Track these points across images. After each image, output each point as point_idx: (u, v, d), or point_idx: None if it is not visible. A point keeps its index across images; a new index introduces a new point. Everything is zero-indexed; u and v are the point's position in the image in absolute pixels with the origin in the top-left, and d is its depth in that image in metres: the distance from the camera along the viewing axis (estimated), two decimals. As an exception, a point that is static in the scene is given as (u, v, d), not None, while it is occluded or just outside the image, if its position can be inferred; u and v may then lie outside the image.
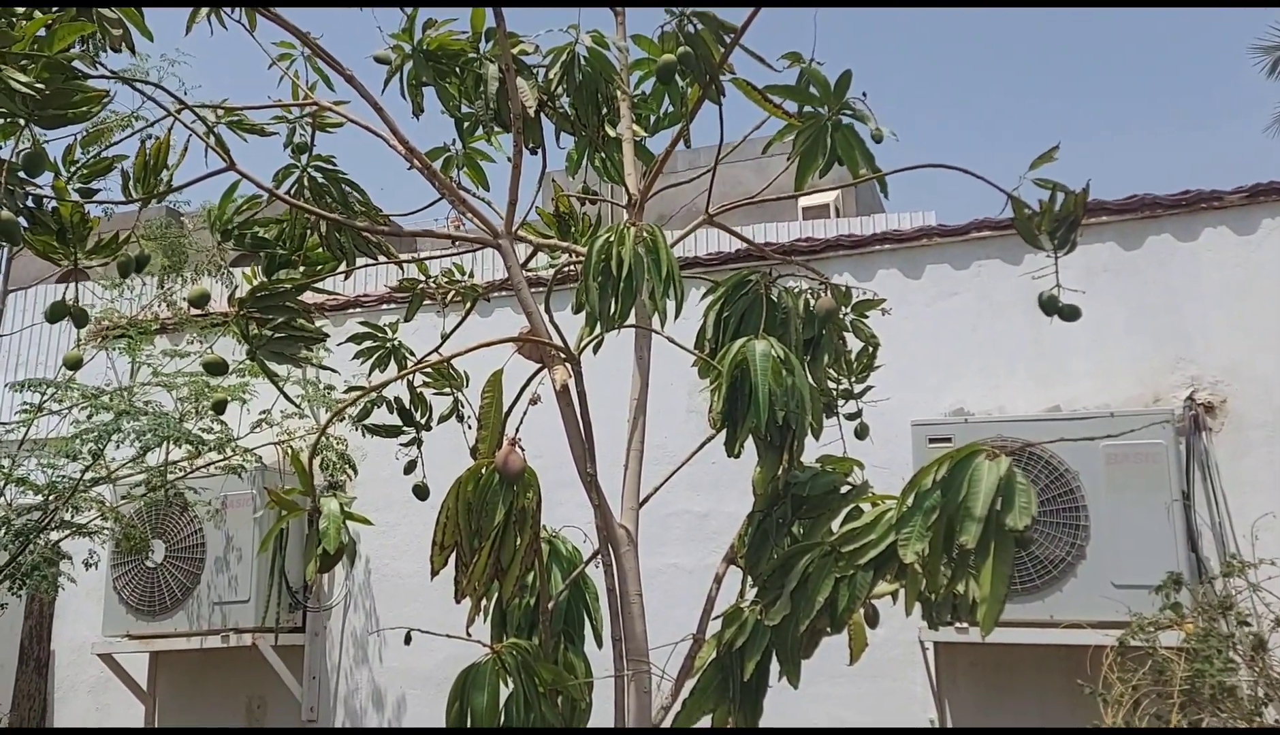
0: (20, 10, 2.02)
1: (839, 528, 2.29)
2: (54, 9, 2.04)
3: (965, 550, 2.03)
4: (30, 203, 2.28)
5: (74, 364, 2.50)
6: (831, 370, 2.92)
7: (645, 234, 1.83)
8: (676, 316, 1.86)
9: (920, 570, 2.09)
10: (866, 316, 2.99)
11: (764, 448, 2.25)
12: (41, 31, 1.99)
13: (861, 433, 3.04)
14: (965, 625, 3.63)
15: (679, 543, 4.82)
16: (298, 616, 5.52)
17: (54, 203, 2.32)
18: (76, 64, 1.99)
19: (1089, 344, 4.47)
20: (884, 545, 2.14)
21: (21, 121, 1.98)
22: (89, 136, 2.37)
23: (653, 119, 2.97)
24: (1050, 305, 2.75)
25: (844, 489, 2.39)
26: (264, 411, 4.89)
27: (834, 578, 2.16)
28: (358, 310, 5.91)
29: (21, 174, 2.12)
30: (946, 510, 2.05)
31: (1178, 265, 4.45)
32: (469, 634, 1.97)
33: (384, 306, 5.99)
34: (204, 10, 2.74)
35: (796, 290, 2.61)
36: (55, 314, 2.44)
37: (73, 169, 2.37)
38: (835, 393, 3.01)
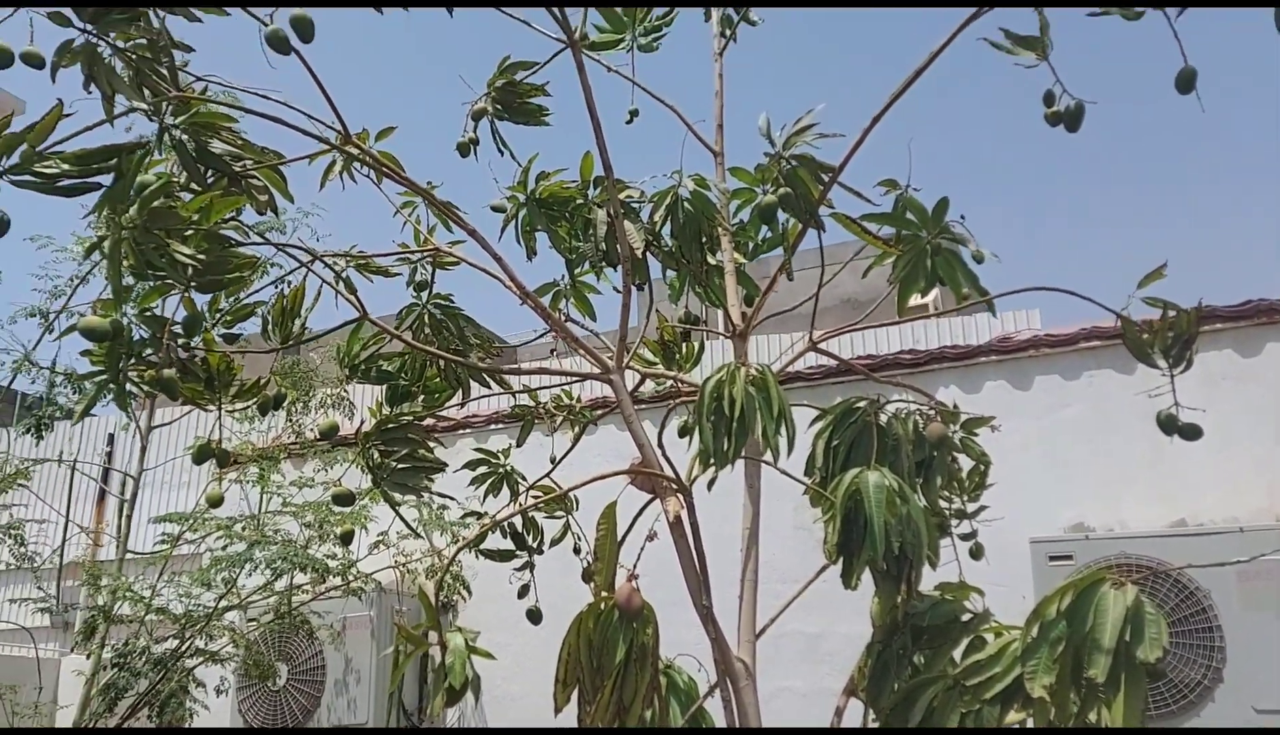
0: (180, 184, 2.22)
1: (961, 659, 2.24)
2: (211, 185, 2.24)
3: (1095, 684, 1.97)
4: (182, 355, 2.47)
5: (216, 502, 2.65)
6: (945, 490, 2.89)
7: (755, 373, 1.89)
8: (789, 453, 1.89)
9: (1049, 702, 2.03)
10: (976, 434, 2.95)
11: (881, 578, 2.23)
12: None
13: (977, 553, 2.98)
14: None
15: (791, 665, 4.72)
16: (413, 738, 5.55)
17: (203, 353, 2.51)
18: (230, 232, 2.17)
19: (1212, 454, 4.30)
20: (1010, 678, 2.09)
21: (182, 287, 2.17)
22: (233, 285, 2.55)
23: (751, 246, 3.06)
24: (1169, 424, 2.69)
25: (964, 617, 2.35)
26: (381, 534, 5.03)
27: (960, 712, 2.11)
28: (467, 431, 6.07)
29: (178, 330, 2.32)
30: (1073, 642, 2.00)
31: (1301, 370, 4.29)
32: (591, 771, 1.98)
33: (493, 427, 6.15)
34: (337, 168, 2.96)
35: (905, 412, 2.61)
36: (201, 456, 2.60)
37: (218, 316, 2.55)
38: (949, 513, 2.96)
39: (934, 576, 2.36)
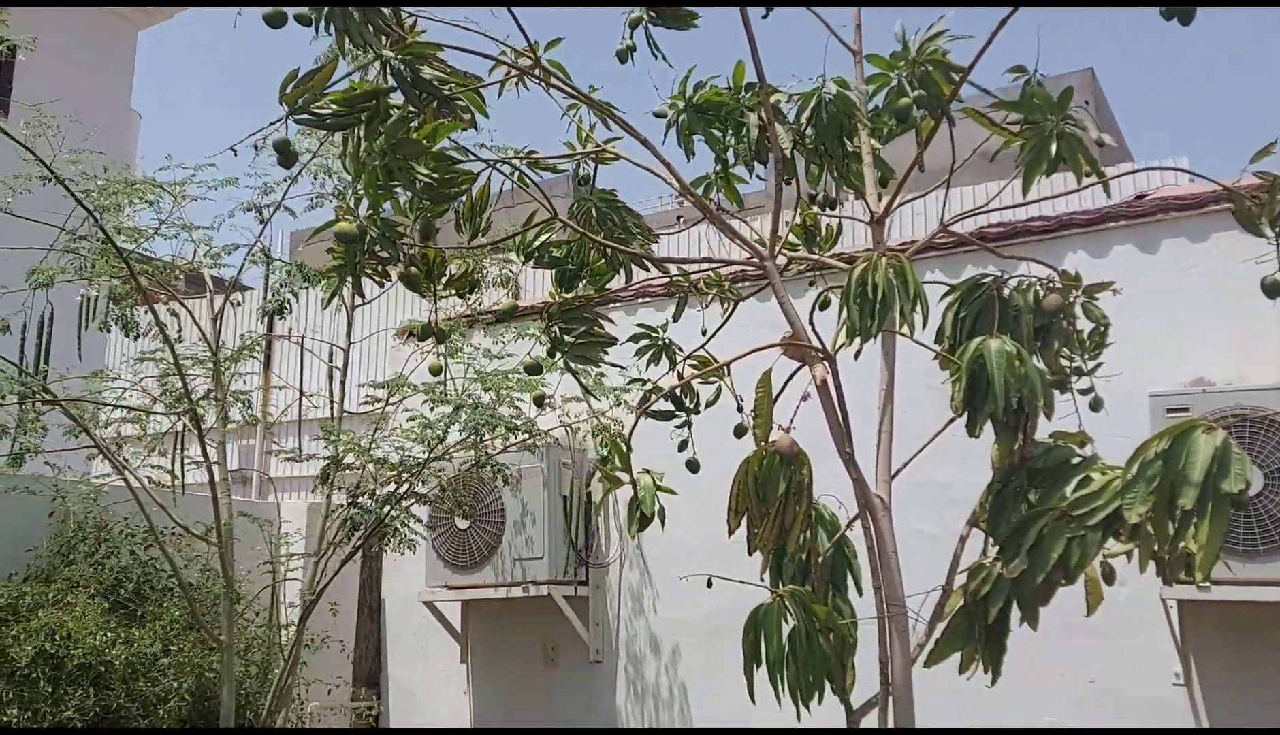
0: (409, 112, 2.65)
1: (1071, 494, 2.58)
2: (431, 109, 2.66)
3: (1187, 512, 2.29)
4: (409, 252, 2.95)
5: (436, 372, 3.18)
6: (1065, 349, 3.18)
7: (894, 262, 2.23)
8: (924, 328, 2.24)
9: (1146, 528, 2.36)
10: (1097, 298, 3.20)
11: (1000, 428, 2.57)
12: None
13: (1096, 405, 3.24)
14: (1208, 583, 3.70)
15: (923, 509, 5.09)
16: (583, 572, 6.26)
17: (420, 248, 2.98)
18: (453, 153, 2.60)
19: (1339, 311, 4.36)
20: (1110, 508, 2.42)
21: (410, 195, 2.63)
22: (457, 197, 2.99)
23: (885, 131, 3.31)
24: (1274, 289, 2.91)
25: (1075, 460, 2.68)
26: (549, 395, 5.58)
27: (1066, 537, 2.47)
28: (617, 305, 6.54)
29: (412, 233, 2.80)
30: (1167, 477, 2.32)
31: None
32: (761, 579, 2.45)
33: (640, 301, 6.60)
34: (512, 79, 3.34)
35: (1026, 283, 2.90)
36: (425, 333, 3.12)
37: (418, 212, 3.01)
38: (1068, 370, 3.24)
39: (1056, 424, 2.68)
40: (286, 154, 2.24)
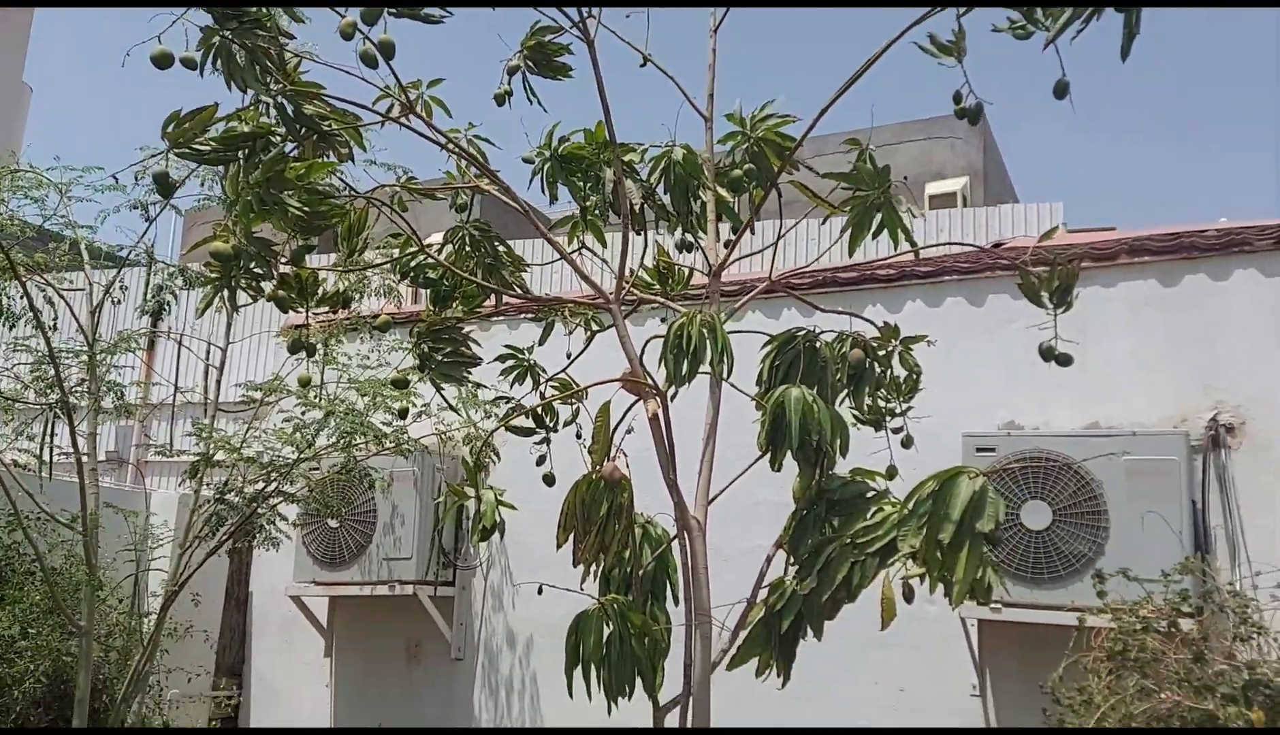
0: (288, 149, 2.85)
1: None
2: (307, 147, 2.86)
3: (946, 545, 2.67)
4: (284, 270, 3.14)
5: (305, 383, 3.37)
6: (885, 392, 3.57)
7: (708, 319, 2.55)
8: (728, 376, 2.56)
9: (917, 558, 2.74)
10: (912, 348, 3.60)
11: (802, 464, 2.93)
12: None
13: (907, 443, 3.62)
14: (999, 605, 4.19)
15: (763, 525, 5.47)
16: (449, 573, 6.45)
17: (294, 269, 3.18)
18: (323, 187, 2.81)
19: (1132, 370, 4.91)
20: (887, 539, 2.79)
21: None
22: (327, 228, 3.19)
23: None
24: (1048, 353, 3.33)
25: (869, 494, 3.04)
26: (424, 404, 5.78)
27: (850, 561, 2.83)
28: (501, 320, 6.78)
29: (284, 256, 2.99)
30: (935, 515, 2.70)
31: (1212, 302, 4.85)
32: (582, 589, 2.74)
33: (523, 316, 6.85)
34: (392, 117, 3.56)
35: (844, 335, 3.28)
36: (294, 347, 3.31)
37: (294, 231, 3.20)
38: (883, 412, 3.63)
39: (866, 461, 3.03)
40: (165, 186, 2.42)
